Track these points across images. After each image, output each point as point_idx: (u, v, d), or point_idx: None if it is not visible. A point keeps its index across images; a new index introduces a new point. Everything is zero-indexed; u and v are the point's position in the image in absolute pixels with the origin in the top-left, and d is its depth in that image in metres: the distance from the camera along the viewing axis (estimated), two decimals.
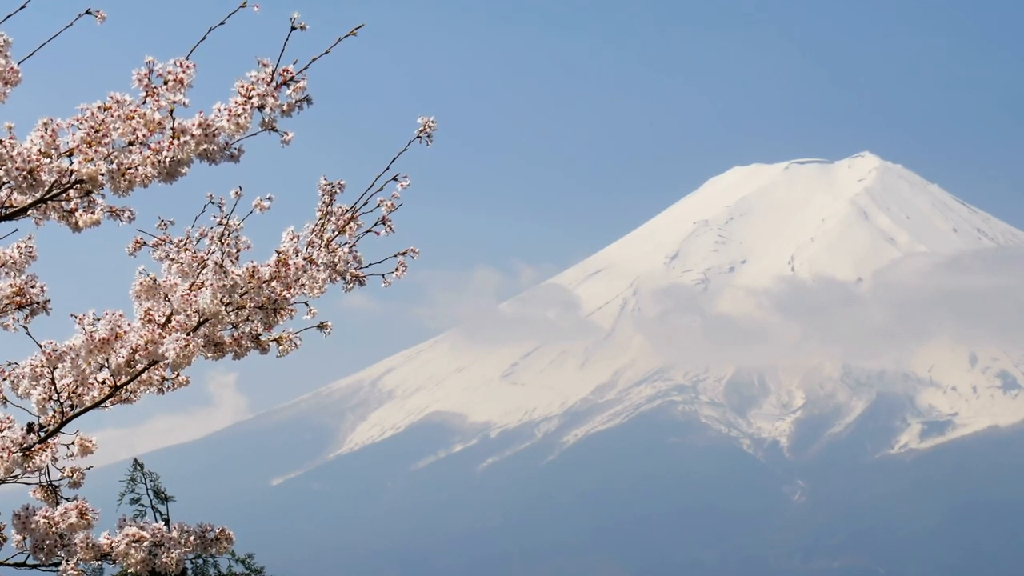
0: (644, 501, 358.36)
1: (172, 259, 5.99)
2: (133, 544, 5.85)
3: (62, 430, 6.03)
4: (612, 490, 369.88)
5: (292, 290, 5.96)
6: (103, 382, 5.98)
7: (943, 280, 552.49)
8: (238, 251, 5.92)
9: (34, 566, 5.93)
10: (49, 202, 5.54)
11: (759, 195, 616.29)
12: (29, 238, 5.82)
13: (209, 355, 5.98)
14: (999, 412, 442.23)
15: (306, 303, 6.07)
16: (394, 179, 6.02)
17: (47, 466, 6.13)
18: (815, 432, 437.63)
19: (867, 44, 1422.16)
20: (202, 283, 5.91)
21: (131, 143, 5.30)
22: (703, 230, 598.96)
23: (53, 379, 5.88)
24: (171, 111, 5.30)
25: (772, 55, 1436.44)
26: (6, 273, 5.85)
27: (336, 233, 6.04)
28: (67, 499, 6.09)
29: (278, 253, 5.95)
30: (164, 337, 5.82)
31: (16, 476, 5.94)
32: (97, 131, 5.27)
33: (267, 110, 5.37)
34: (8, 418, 5.89)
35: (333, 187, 6.04)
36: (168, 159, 5.32)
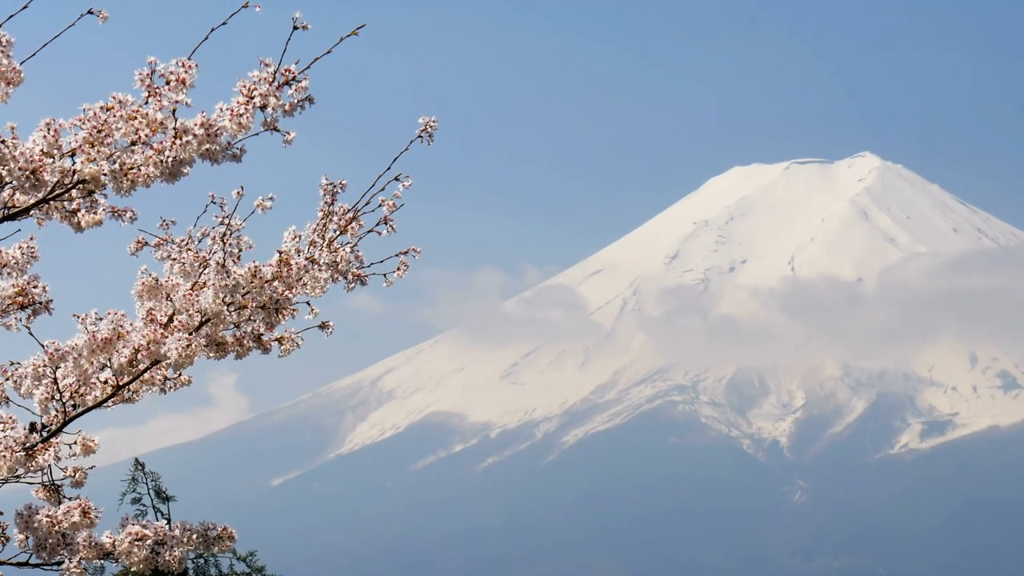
0: (644, 501, 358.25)
1: (174, 259, 5.99)
2: (136, 542, 5.86)
3: (64, 430, 6.04)
4: (612, 490, 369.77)
5: (294, 290, 5.97)
6: (105, 382, 5.99)
7: (943, 280, 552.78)
8: (240, 251, 5.93)
9: (37, 565, 5.94)
10: (51, 202, 5.55)
11: (759, 195, 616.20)
12: (31, 238, 5.83)
13: (211, 355, 5.99)
14: (999, 412, 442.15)
15: (308, 303, 6.07)
16: (396, 179, 6.04)
17: (50, 466, 6.14)
18: (815, 432, 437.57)
19: (867, 44, 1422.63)
20: (204, 283, 5.92)
21: (133, 143, 5.31)
22: (703, 230, 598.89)
23: (55, 379, 5.89)
24: (173, 111, 5.32)
25: (772, 55, 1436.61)
26: (8, 273, 5.86)
27: (338, 233, 6.05)
28: (69, 498, 6.10)
29: (280, 253, 5.96)
30: (166, 337, 5.83)
31: (19, 475, 5.95)
32: (99, 131, 5.28)
33: (269, 110, 5.39)
34: (11, 418, 5.90)
35: (335, 187, 6.05)
36: (170, 159, 5.33)
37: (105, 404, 6.03)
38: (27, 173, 5.26)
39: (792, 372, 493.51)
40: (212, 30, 5.45)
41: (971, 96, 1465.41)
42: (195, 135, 5.29)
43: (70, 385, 5.97)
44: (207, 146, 5.30)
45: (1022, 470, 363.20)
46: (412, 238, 6.24)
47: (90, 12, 5.45)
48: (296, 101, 5.42)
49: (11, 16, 5.41)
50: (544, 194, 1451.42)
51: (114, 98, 5.30)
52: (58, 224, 5.69)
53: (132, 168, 5.32)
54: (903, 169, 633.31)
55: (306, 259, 5.97)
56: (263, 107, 5.34)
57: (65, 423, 6.01)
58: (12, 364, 5.98)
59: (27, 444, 5.79)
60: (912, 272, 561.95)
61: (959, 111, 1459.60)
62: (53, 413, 5.97)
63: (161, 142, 5.33)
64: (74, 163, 5.32)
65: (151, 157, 5.33)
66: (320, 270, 5.99)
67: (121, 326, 5.84)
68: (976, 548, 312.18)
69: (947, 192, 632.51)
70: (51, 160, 5.31)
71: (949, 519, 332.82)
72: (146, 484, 15.30)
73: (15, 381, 5.96)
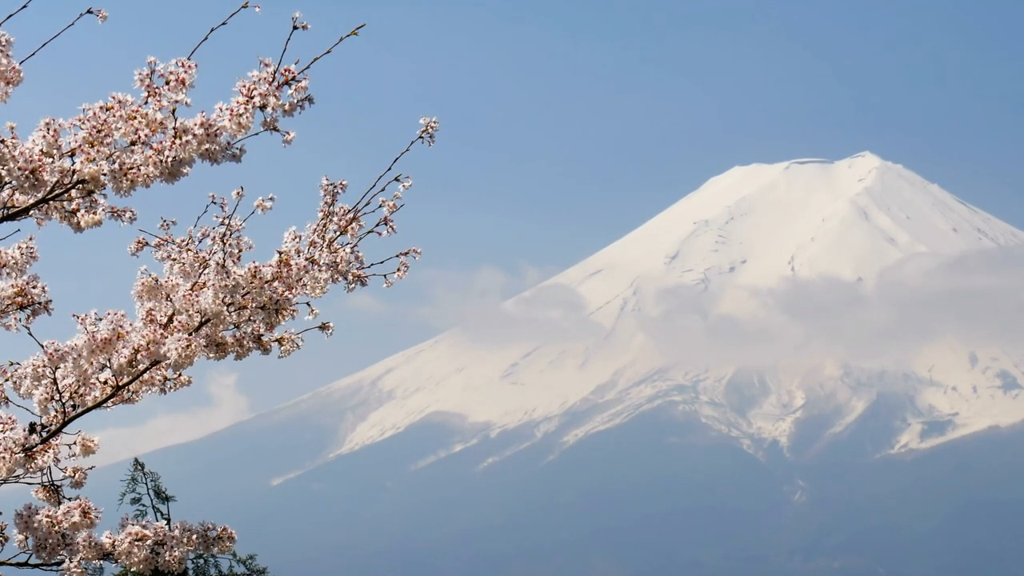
0: (644, 501, 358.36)
1: (174, 259, 5.99)
2: (136, 543, 5.85)
3: (64, 430, 6.04)
4: (612, 490, 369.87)
5: (294, 290, 5.97)
6: (105, 382, 5.99)
7: (943, 280, 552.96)
8: (240, 251, 5.93)
9: (36, 565, 5.93)
10: (51, 202, 5.55)
11: (759, 195, 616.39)
12: (31, 238, 5.83)
13: (211, 355, 5.99)
14: (999, 412, 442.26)
15: (308, 303, 6.07)
16: (396, 179, 6.04)
17: (49, 466, 6.13)
18: (815, 432, 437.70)
19: (867, 44, 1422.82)
20: (204, 283, 5.92)
21: (133, 143, 5.31)
22: (703, 230, 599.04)
23: (55, 379, 5.89)
24: (173, 111, 5.31)
25: (772, 55, 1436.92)
26: (8, 273, 5.86)
27: (338, 233, 6.05)
28: (69, 499, 6.10)
29: (280, 253, 5.96)
30: (166, 337, 5.83)
31: (18, 476, 5.95)
32: (99, 131, 5.27)
33: (269, 110, 5.38)
34: (10, 418, 5.89)
35: (335, 187, 6.05)
36: (170, 159, 5.33)
37: (105, 404, 6.03)
38: (27, 173, 5.26)
39: (792, 372, 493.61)
40: (212, 30, 5.45)
41: (971, 96, 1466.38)
42: (195, 135, 5.29)
43: (70, 385, 5.96)
44: (207, 146, 5.30)
45: (1022, 470, 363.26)
46: (412, 238, 6.24)
47: (90, 12, 5.45)
48: (296, 101, 5.42)
49: (11, 16, 5.41)
50: (544, 194, 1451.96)
51: (114, 98, 5.29)
52: (57, 224, 5.69)
53: (132, 168, 5.32)
54: (903, 169, 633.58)
55: (306, 259, 5.97)
56: (263, 107, 5.34)
57: (65, 423, 6.01)
58: (12, 364, 5.98)
59: (26, 445, 5.78)
60: (912, 272, 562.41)
61: (959, 111, 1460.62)
62: (53, 413, 5.97)
63: (161, 142, 5.33)
64: (74, 163, 5.32)
65: (151, 157, 5.32)
66: (320, 270, 5.99)
67: (121, 326, 5.84)
68: (976, 548, 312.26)
69: (947, 192, 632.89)
70: (51, 160, 5.30)
71: (949, 519, 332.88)
72: (146, 484, 15.30)
73: (15, 381, 5.96)
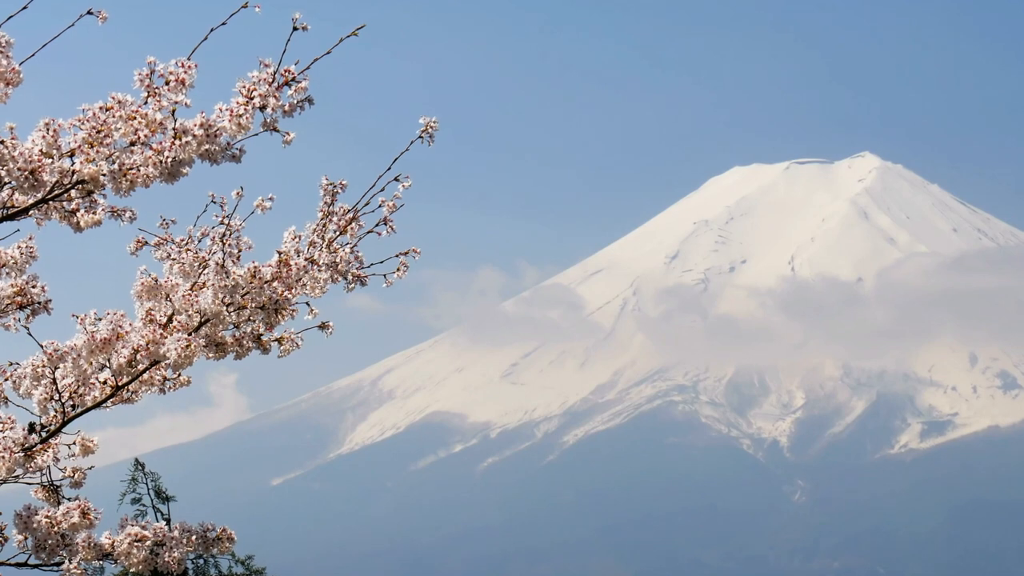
0: (644, 501, 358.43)
1: (174, 259, 5.99)
2: (135, 543, 5.85)
3: (63, 430, 6.04)
4: (612, 490, 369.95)
5: (293, 290, 5.97)
6: (104, 382, 5.98)
7: (943, 280, 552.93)
8: (239, 251, 5.92)
9: (36, 566, 5.93)
10: (51, 202, 5.55)
11: (759, 195, 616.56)
12: (30, 238, 5.83)
13: (211, 355, 5.99)
14: (999, 412, 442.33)
15: (307, 303, 6.07)
16: (395, 179, 6.04)
17: (49, 466, 6.13)
18: (815, 432, 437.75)
19: (867, 44, 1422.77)
20: (204, 283, 5.92)
21: (133, 143, 5.31)
22: (703, 230, 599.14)
23: (55, 379, 5.89)
24: (173, 111, 5.32)
25: (773, 55, 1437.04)
26: (7, 273, 5.85)
27: (338, 233, 6.05)
28: (69, 499, 6.10)
29: (279, 253, 5.96)
30: (165, 337, 5.83)
31: (18, 476, 5.95)
32: (99, 131, 5.27)
33: (269, 110, 5.38)
34: (10, 418, 5.89)
35: (335, 187, 6.06)
36: (170, 159, 5.33)
37: (104, 404, 6.03)
38: (26, 173, 5.26)
39: (792, 372, 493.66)
40: (212, 30, 5.46)
41: (971, 96, 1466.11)
42: (194, 135, 5.29)
43: (69, 385, 5.96)
44: (206, 146, 5.30)
45: (1022, 470, 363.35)
46: (411, 238, 6.24)
47: (90, 12, 5.45)
48: (296, 102, 5.42)
49: (11, 16, 5.41)
50: (544, 194, 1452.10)
51: (113, 98, 5.30)
52: (57, 224, 5.69)
53: (131, 168, 5.32)
54: (903, 169, 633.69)
55: (306, 259, 5.97)
56: (263, 107, 5.35)
57: (64, 423, 6.01)
58: (11, 364, 5.98)
59: (26, 445, 5.78)
60: (912, 272, 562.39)
61: (959, 111, 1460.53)
62: (52, 413, 5.97)
63: (160, 142, 5.33)
64: (73, 163, 5.33)
65: (150, 157, 5.33)
66: (320, 270, 5.99)
67: (120, 326, 5.84)
68: (976, 548, 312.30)
69: (947, 192, 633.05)
70: (50, 160, 5.31)
71: (949, 519, 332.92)
72: (146, 484, 15.31)
73: (14, 381, 5.96)
